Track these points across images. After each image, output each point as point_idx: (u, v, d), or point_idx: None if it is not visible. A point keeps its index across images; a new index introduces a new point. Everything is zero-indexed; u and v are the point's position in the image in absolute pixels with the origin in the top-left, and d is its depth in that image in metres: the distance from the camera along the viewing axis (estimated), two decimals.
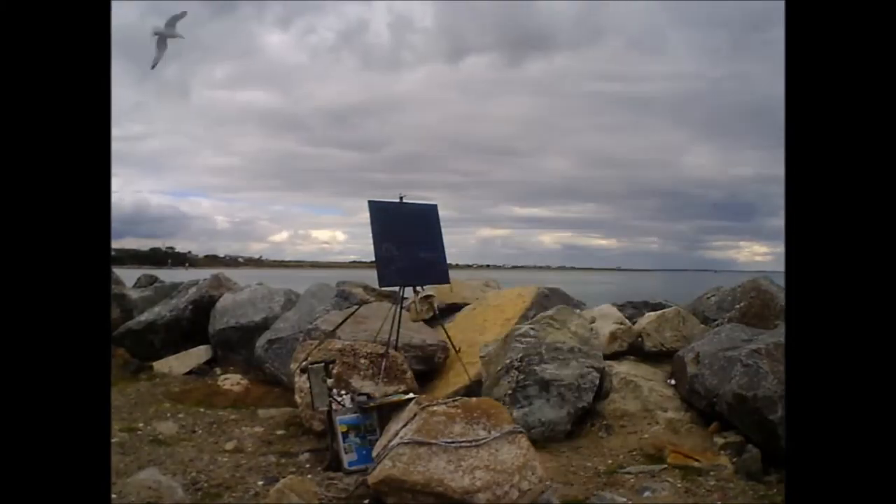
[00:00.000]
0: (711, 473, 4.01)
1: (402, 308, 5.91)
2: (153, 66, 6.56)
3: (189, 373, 7.25)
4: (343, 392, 4.64)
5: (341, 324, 6.13)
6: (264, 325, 7.26)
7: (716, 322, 6.48)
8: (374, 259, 5.82)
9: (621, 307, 7.37)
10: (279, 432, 5.06)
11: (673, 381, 5.44)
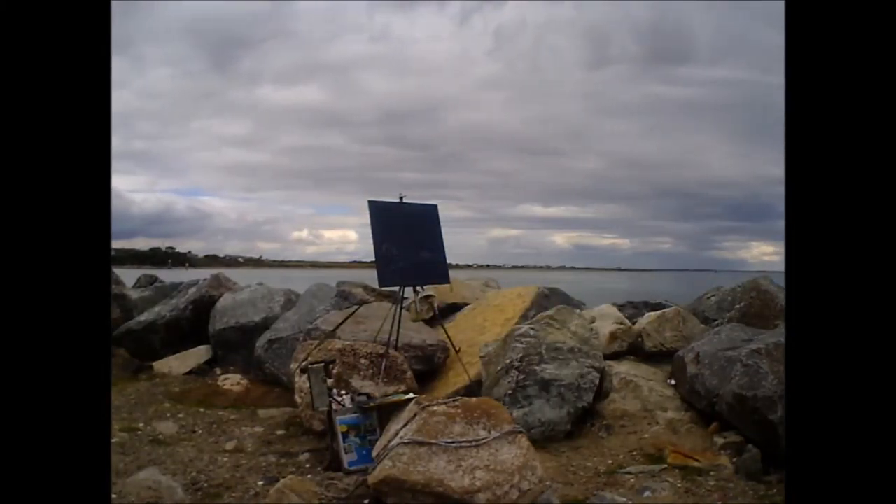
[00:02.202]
0: (711, 473, 4.00)
1: (402, 308, 5.91)
2: None
3: (189, 373, 7.25)
4: (343, 392, 4.64)
5: (341, 324, 6.13)
6: (264, 325, 7.26)
7: (716, 322, 6.48)
8: (374, 259, 5.83)
9: (621, 307, 7.37)
10: (279, 432, 5.06)
11: (673, 381, 5.44)
